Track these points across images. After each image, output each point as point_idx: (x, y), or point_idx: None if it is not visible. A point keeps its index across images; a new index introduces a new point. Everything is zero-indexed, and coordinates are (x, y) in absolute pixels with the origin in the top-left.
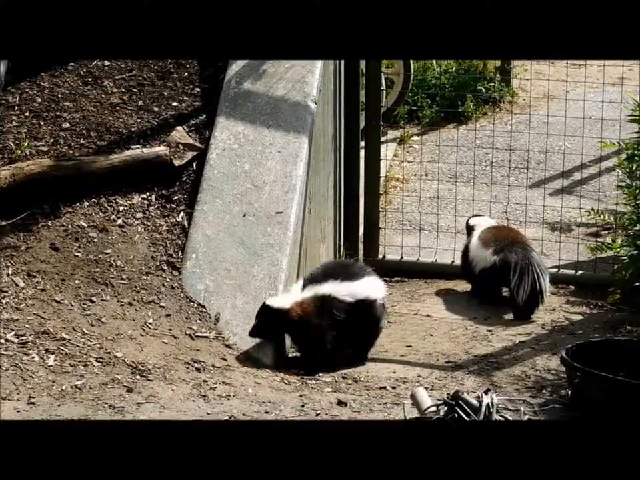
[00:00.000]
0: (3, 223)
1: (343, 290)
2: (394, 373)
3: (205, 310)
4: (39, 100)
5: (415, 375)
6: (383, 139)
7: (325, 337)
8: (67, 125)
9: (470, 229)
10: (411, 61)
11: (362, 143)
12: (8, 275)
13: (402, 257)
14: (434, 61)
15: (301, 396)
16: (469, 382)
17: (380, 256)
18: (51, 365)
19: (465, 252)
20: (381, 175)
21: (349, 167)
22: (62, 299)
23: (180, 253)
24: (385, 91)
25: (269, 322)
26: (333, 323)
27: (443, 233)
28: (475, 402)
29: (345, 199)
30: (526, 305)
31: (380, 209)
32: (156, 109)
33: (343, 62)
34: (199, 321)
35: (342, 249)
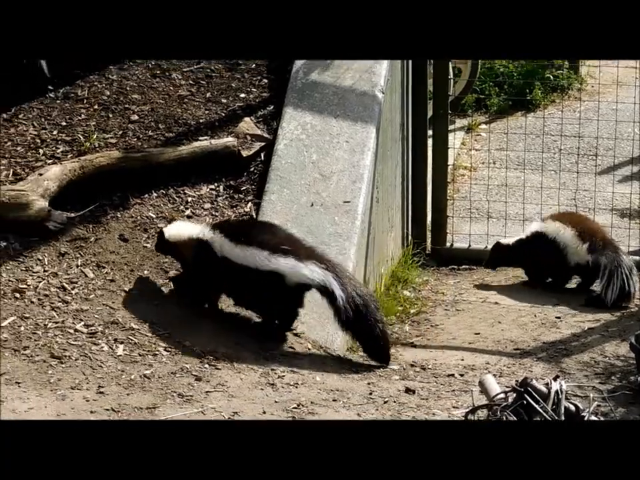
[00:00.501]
0: (73, 215)
1: None
2: (462, 360)
3: None
4: (108, 93)
5: (483, 362)
6: (450, 127)
7: None
8: (135, 117)
9: None
10: None
11: (430, 132)
12: (77, 265)
13: (470, 245)
14: None
15: (368, 384)
16: (538, 369)
17: (448, 244)
18: (120, 355)
19: (553, 240)
20: (448, 164)
21: (417, 156)
22: (131, 289)
23: None
24: (452, 80)
25: None
26: None
27: (511, 220)
28: (543, 389)
29: (413, 188)
30: (613, 305)
31: (448, 197)
32: (224, 100)
33: None
34: None
35: (410, 237)
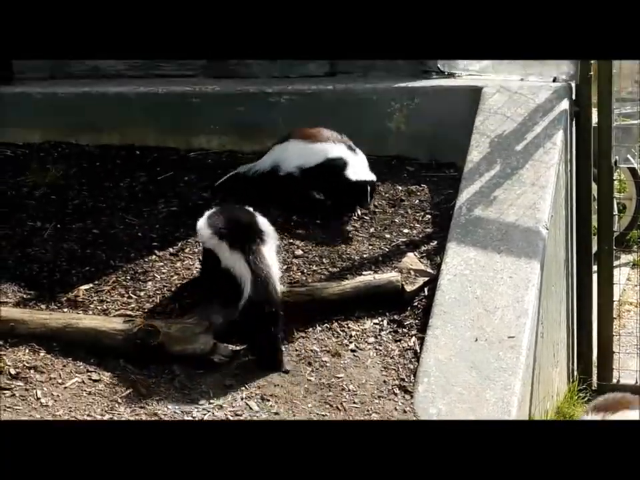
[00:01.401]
0: (238, 348)
1: None
2: None
3: None
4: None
5: None
6: (615, 263)
7: None
8: (299, 252)
9: None
10: None
11: (594, 268)
12: (242, 398)
13: (637, 382)
14: None
15: None
16: None
17: (614, 380)
18: None
19: None
20: (614, 299)
21: (582, 292)
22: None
23: (412, 377)
24: (617, 216)
25: None
26: None
27: None
28: None
29: (578, 324)
30: None
31: (613, 333)
32: (387, 235)
33: (574, 188)
34: None
35: (575, 373)
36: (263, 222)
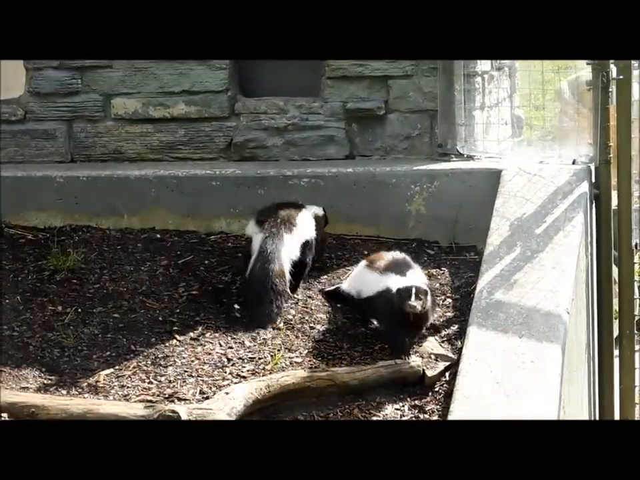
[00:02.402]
0: None
1: None
2: None
3: None
4: (293, 312)
5: None
6: (637, 347)
7: None
8: (320, 336)
9: None
10: None
11: (616, 352)
12: None
13: None
14: None
15: None
16: None
17: None
18: None
19: None
20: (635, 384)
21: (603, 377)
22: None
23: None
24: (637, 300)
25: None
26: None
27: None
28: None
29: (600, 409)
30: None
31: (635, 418)
32: None
33: (595, 271)
34: None
35: None
36: (303, 216)
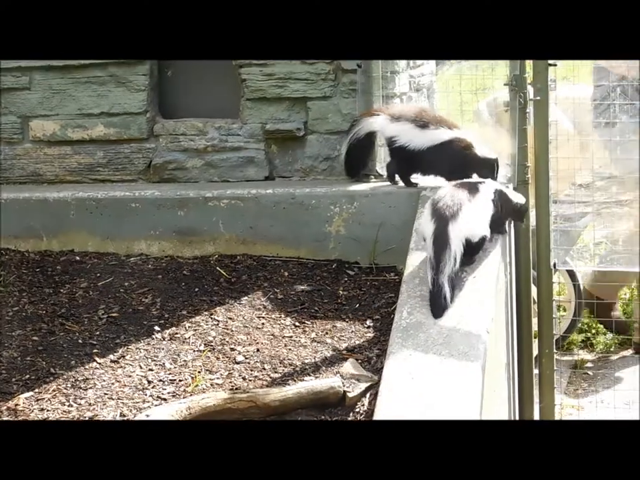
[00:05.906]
0: None
1: None
2: None
3: None
4: (213, 334)
5: None
6: (556, 366)
7: None
8: (241, 357)
9: None
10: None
11: (535, 371)
12: None
13: None
14: None
15: None
16: None
17: None
18: None
19: None
20: (555, 403)
21: (523, 395)
22: None
23: None
24: (556, 319)
25: None
26: None
27: None
28: None
29: None
30: None
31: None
32: (329, 340)
33: (515, 292)
34: None
35: None
36: (483, 188)
